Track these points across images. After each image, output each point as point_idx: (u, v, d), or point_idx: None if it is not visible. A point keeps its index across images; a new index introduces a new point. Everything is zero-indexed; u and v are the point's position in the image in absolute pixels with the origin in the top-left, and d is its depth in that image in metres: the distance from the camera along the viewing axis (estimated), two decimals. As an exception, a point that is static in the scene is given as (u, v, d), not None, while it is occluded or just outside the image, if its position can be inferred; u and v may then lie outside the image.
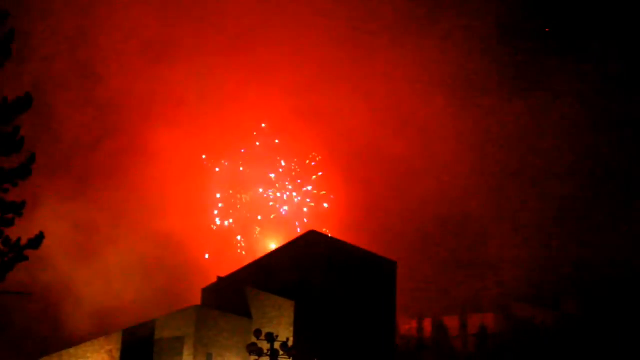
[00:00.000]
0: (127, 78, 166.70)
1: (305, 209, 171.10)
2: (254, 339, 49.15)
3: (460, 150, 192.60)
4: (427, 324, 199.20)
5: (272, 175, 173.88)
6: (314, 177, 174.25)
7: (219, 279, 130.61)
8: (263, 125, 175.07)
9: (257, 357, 47.74)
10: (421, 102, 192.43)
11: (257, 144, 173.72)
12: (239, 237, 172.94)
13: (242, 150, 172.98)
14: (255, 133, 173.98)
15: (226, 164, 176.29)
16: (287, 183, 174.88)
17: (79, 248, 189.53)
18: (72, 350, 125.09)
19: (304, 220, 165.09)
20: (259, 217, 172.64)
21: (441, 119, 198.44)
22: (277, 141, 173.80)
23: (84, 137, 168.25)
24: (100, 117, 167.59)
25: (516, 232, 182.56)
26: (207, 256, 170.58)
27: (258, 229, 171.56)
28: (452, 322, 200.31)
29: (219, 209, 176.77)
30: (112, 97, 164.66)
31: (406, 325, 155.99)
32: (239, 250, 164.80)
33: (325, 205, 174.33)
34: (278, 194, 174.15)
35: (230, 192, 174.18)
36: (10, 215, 33.36)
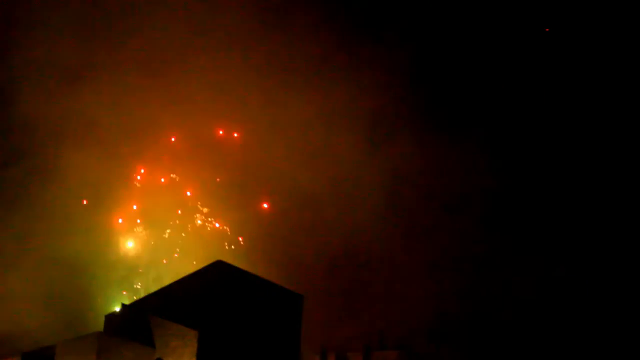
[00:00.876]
0: (38, 100, 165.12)
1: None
2: (153, 369, 48.56)
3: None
4: None
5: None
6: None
7: (123, 306, 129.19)
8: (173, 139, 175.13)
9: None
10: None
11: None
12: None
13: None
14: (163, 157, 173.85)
15: (138, 185, 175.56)
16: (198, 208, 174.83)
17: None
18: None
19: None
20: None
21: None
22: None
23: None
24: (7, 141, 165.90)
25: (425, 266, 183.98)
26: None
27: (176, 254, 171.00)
28: (356, 359, 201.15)
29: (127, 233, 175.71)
30: (21, 120, 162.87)
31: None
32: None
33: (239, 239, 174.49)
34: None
35: (138, 221, 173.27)
36: None
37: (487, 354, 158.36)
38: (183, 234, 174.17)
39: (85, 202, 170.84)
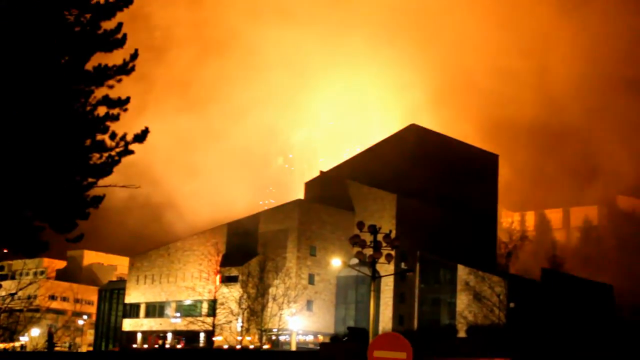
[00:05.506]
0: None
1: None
2: (356, 232, 49.38)
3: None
4: (530, 218, 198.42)
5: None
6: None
7: (322, 173, 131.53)
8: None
9: (359, 249, 48.15)
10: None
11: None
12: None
13: None
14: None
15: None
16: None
17: (187, 142, 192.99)
18: (179, 244, 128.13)
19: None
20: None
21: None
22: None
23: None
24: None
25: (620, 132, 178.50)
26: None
27: None
28: (555, 215, 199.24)
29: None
30: None
31: (509, 219, 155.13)
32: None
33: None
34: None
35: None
36: (115, 111, 33.83)
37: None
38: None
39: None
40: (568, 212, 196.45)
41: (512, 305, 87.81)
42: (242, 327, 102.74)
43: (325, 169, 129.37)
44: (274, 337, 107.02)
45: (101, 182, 34.02)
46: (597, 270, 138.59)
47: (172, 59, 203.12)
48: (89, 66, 33.34)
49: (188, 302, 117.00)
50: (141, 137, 33.65)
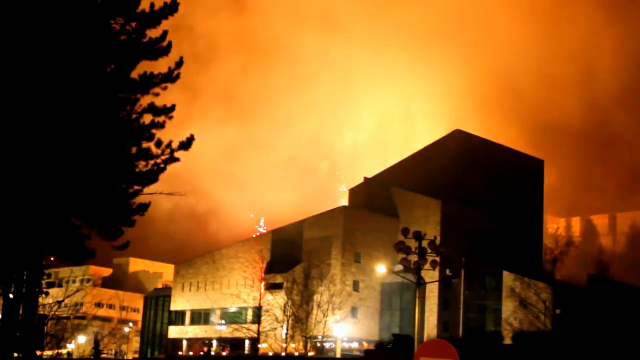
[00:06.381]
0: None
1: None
2: (401, 238, 49.18)
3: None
4: (576, 223, 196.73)
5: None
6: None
7: (366, 179, 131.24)
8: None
9: (404, 256, 47.91)
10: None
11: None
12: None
13: None
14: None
15: None
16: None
17: (230, 150, 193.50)
18: (224, 251, 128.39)
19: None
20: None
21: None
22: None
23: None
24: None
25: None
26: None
27: None
28: (601, 221, 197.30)
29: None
30: None
31: (555, 224, 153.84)
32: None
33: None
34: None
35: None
36: (161, 119, 34.00)
37: None
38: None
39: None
40: (615, 218, 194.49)
41: (558, 311, 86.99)
42: (286, 334, 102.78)
43: (369, 175, 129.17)
44: (318, 344, 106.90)
45: (146, 189, 34.23)
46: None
47: (216, 68, 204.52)
48: (134, 74, 33.60)
49: (233, 309, 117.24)
50: (186, 144, 33.82)
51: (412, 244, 49.12)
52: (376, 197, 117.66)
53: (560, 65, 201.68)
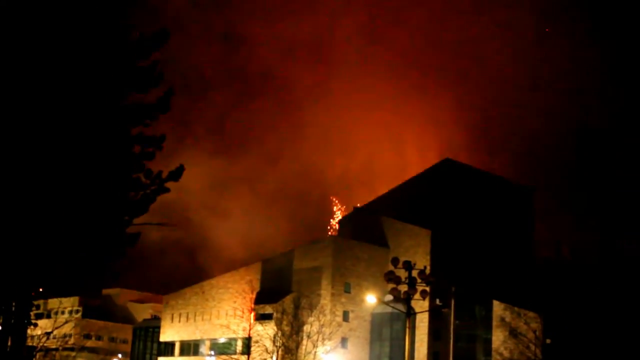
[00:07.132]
0: None
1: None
2: (391, 268, 49.25)
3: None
4: (565, 252, 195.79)
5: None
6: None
7: (355, 209, 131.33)
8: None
9: (394, 286, 47.90)
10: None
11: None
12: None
13: None
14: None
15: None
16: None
17: (217, 181, 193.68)
18: (213, 281, 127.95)
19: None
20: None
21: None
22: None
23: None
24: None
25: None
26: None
27: None
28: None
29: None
30: None
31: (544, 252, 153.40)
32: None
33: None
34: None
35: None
36: (150, 149, 33.94)
37: None
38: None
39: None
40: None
41: (548, 341, 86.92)
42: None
43: (359, 205, 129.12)
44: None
45: (136, 220, 34.09)
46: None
47: (206, 101, 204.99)
48: (125, 104, 33.58)
49: (222, 340, 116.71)
50: (176, 174, 33.72)
51: (402, 273, 49.18)
52: (366, 227, 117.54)
53: (551, 94, 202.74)
